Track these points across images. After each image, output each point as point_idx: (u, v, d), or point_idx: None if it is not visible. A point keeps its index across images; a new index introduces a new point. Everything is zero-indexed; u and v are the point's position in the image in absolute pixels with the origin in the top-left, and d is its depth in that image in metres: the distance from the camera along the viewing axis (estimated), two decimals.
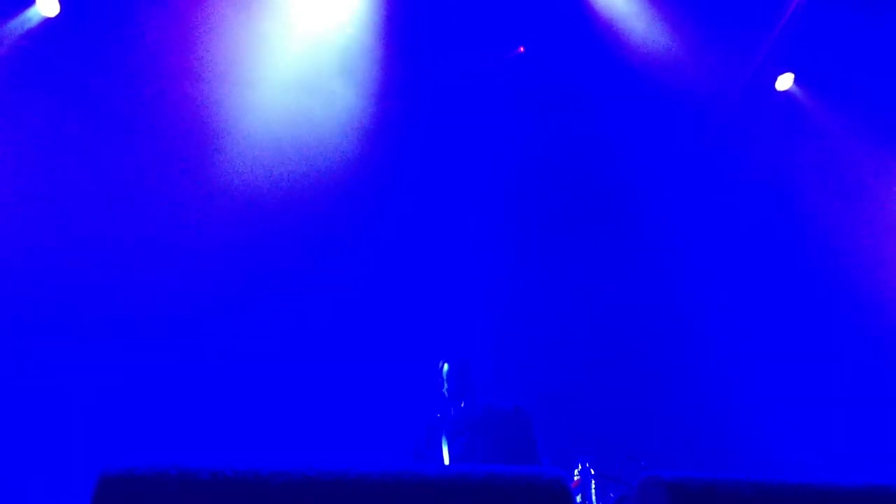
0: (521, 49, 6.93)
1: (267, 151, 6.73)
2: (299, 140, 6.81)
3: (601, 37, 6.78)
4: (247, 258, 6.68)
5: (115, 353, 6.17)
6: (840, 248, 7.22)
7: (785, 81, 7.19)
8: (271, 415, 6.23)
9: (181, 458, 1.35)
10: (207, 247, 6.56)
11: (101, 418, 5.90)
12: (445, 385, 4.92)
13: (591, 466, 4.40)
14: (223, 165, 6.66)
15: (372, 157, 6.94)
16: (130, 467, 1.32)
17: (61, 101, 6.38)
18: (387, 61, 6.76)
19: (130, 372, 6.13)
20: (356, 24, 6.61)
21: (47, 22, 6.32)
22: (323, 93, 6.77)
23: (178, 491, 1.31)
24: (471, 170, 7.12)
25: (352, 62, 6.70)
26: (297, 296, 6.69)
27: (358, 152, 6.88)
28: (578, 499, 4.40)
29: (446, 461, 4.71)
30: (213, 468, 1.34)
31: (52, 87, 6.36)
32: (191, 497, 1.31)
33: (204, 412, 6.11)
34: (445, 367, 4.97)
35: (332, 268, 6.82)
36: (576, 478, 4.47)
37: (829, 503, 1.52)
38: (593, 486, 4.34)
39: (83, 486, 1.38)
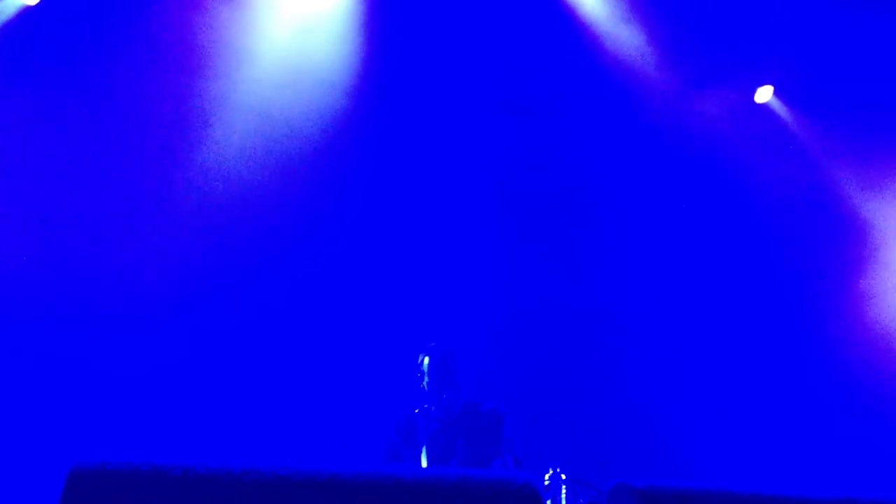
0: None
1: (255, 145, 6.71)
2: (285, 136, 6.79)
3: (583, 44, 6.81)
4: (229, 251, 6.64)
5: (91, 348, 6.12)
6: (815, 259, 7.29)
7: (764, 94, 7.23)
8: (247, 411, 6.20)
9: (155, 454, 1.34)
10: (187, 238, 6.51)
11: (74, 412, 5.85)
12: (426, 379, 4.78)
13: (561, 471, 4.40)
14: (209, 158, 6.62)
15: (351, 156, 6.93)
16: (102, 462, 1.31)
17: (39, 93, 6.30)
18: (370, 62, 6.76)
19: (105, 366, 6.08)
20: (340, 25, 6.62)
21: (26, 10, 6.26)
22: (308, 88, 6.75)
23: (150, 486, 1.30)
24: (451, 171, 7.12)
25: (336, 60, 6.69)
26: (274, 291, 6.67)
27: (337, 150, 6.87)
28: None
29: (423, 460, 4.68)
30: (185, 464, 1.34)
31: (30, 79, 6.29)
32: (162, 493, 1.30)
33: (176, 407, 6.07)
34: (426, 360, 4.82)
35: (311, 264, 6.80)
36: (546, 482, 4.46)
37: None
38: (563, 491, 4.34)
39: (54, 480, 1.37)
